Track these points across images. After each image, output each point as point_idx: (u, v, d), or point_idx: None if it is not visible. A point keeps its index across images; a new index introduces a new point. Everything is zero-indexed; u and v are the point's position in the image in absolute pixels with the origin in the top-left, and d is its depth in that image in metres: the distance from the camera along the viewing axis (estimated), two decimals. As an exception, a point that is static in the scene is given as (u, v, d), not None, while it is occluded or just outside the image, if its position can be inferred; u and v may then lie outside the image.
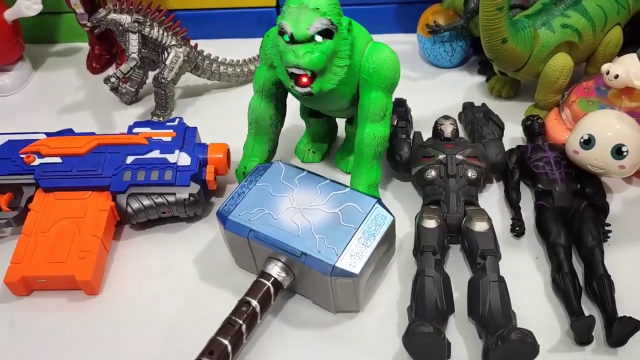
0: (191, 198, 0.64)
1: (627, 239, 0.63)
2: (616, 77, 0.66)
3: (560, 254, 0.59)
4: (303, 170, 0.62)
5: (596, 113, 0.64)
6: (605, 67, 0.67)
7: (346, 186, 0.60)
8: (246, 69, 0.86)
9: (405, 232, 0.65)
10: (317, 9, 0.54)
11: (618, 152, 0.61)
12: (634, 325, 0.52)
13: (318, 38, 0.54)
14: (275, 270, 0.56)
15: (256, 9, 0.93)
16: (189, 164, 0.66)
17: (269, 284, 0.56)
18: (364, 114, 0.61)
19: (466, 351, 0.55)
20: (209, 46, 0.86)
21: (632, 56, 0.65)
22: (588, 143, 0.62)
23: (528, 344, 0.49)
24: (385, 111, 0.61)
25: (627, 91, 0.68)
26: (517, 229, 0.63)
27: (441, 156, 0.65)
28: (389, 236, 0.58)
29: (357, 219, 0.57)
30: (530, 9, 0.75)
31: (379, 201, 0.58)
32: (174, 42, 0.80)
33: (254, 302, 0.54)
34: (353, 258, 0.54)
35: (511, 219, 0.65)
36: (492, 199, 0.68)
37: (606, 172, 0.63)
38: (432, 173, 0.64)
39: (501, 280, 0.55)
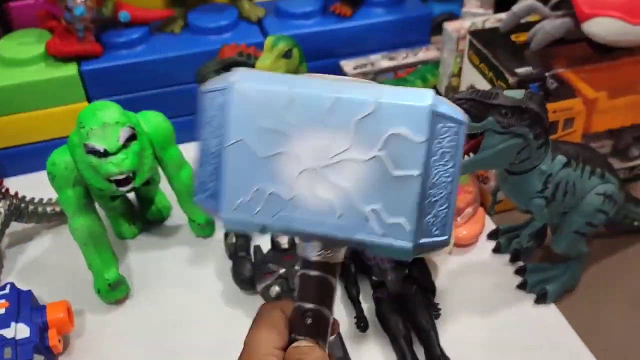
0: (37, 373, 0.61)
1: (456, 308, 0.70)
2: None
3: (402, 346, 0.64)
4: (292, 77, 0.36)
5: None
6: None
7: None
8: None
9: None
10: (117, 122, 0.64)
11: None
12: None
13: (127, 144, 0.64)
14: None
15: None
16: (28, 335, 0.63)
17: None
18: (175, 167, 0.72)
19: None
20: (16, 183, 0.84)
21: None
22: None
23: None
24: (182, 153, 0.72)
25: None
26: (362, 325, 0.68)
27: (282, 270, 0.68)
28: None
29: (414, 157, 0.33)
30: None
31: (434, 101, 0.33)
32: (-11, 198, 0.76)
33: None
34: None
35: (354, 317, 0.68)
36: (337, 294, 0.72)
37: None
38: (275, 289, 0.67)
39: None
